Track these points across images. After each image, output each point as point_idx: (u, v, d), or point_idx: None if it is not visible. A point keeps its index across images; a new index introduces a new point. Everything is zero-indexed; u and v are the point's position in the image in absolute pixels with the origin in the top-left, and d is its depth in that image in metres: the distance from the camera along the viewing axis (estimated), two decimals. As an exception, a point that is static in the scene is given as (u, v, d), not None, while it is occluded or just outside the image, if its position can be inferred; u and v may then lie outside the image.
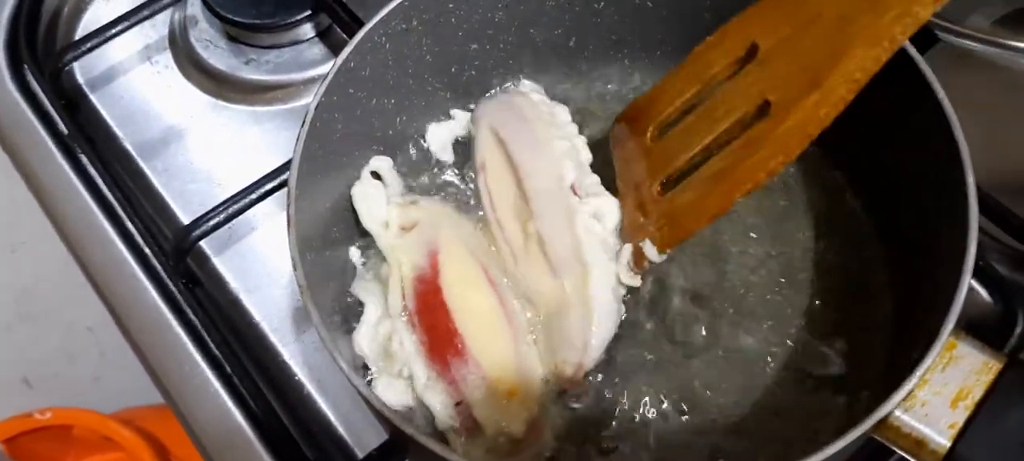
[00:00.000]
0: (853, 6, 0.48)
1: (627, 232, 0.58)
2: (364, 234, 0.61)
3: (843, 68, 0.47)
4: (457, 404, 0.54)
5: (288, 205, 0.52)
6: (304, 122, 0.54)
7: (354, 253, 0.61)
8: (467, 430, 0.54)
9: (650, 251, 0.55)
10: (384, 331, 0.57)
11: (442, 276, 0.58)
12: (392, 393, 0.55)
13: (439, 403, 0.54)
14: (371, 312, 0.57)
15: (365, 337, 0.57)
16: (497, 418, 0.53)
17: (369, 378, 0.56)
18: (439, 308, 0.57)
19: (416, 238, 0.59)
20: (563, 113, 0.63)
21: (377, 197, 0.61)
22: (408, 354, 0.56)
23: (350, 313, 0.59)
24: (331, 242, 0.59)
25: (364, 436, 0.63)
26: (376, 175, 0.63)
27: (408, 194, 0.63)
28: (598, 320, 0.55)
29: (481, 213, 0.62)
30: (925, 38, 0.71)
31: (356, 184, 0.61)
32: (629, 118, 0.60)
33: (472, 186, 0.64)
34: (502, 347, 0.56)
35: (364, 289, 0.59)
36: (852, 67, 0.47)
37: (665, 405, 0.56)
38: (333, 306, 0.57)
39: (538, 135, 0.60)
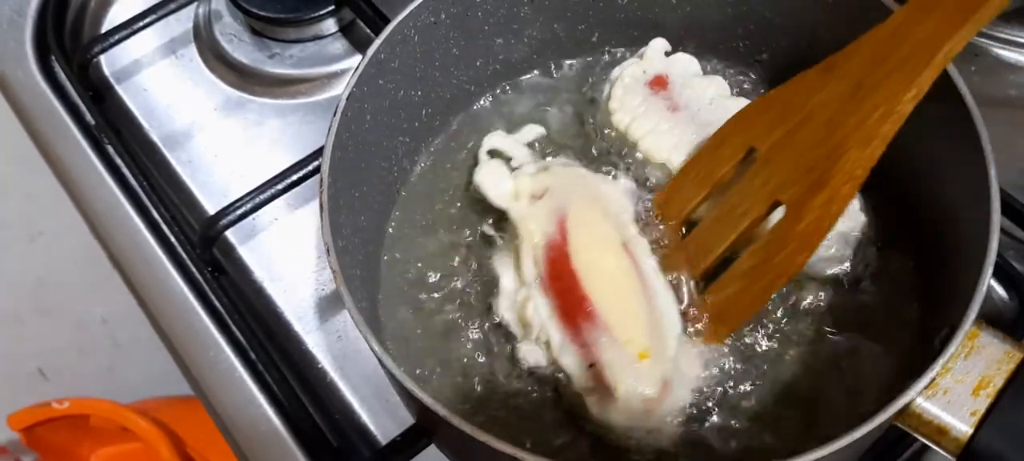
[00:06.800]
0: (840, 109, 0.51)
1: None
2: (490, 211, 0.63)
3: (842, 169, 0.50)
4: (590, 366, 0.55)
5: (321, 192, 0.53)
6: (336, 111, 0.55)
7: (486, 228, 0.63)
8: (601, 392, 0.54)
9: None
10: (521, 298, 0.58)
11: (570, 241, 0.58)
12: (533, 357, 0.56)
13: (574, 365, 0.55)
14: (507, 282, 0.59)
15: (503, 305, 0.58)
16: (629, 380, 0.54)
17: (511, 346, 0.58)
18: (568, 274, 0.57)
19: (546, 205, 0.60)
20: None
21: (499, 173, 0.62)
22: (543, 319, 0.56)
23: (376, 300, 0.60)
24: (359, 229, 0.59)
25: (385, 423, 0.64)
26: (493, 154, 0.64)
27: (538, 160, 0.64)
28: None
29: (613, 174, 0.64)
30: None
31: (476, 170, 0.63)
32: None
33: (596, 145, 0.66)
34: (633, 308, 0.56)
35: (499, 261, 0.60)
36: (850, 167, 0.50)
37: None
38: (361, 292, 0.58)
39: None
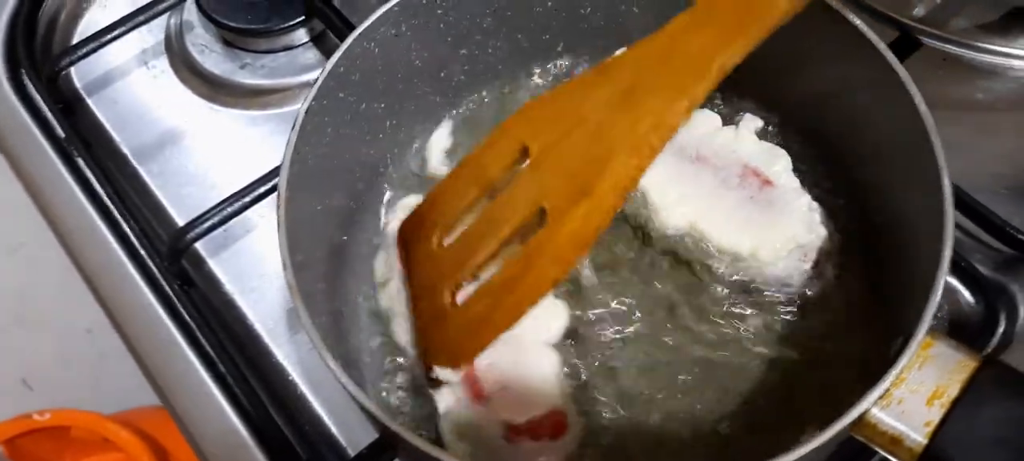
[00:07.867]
0: (611, 114, 0.48)
1: (419, 351, 0.56)
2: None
3: (609, 177, 0.47)
4: None
5: (278, 207, 0.52)
6: (294, 126, 0.55)
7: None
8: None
9: (444, 373, 0.53)
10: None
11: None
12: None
13: None
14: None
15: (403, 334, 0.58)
16: None
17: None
18: None
19: None
20: None
21: None
22: None
23: (340, 313, 0.60)
24: (323, 242, 0.59)
25: (356, 435, 0.63)
26: None
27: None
28: None
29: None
30: (908, 42, 0.72)
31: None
32: (413, 224, 0.58)
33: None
34: None
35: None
36: (618, 175, 0.47)
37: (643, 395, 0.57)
38: (322, 306, 0.58)
39: None
